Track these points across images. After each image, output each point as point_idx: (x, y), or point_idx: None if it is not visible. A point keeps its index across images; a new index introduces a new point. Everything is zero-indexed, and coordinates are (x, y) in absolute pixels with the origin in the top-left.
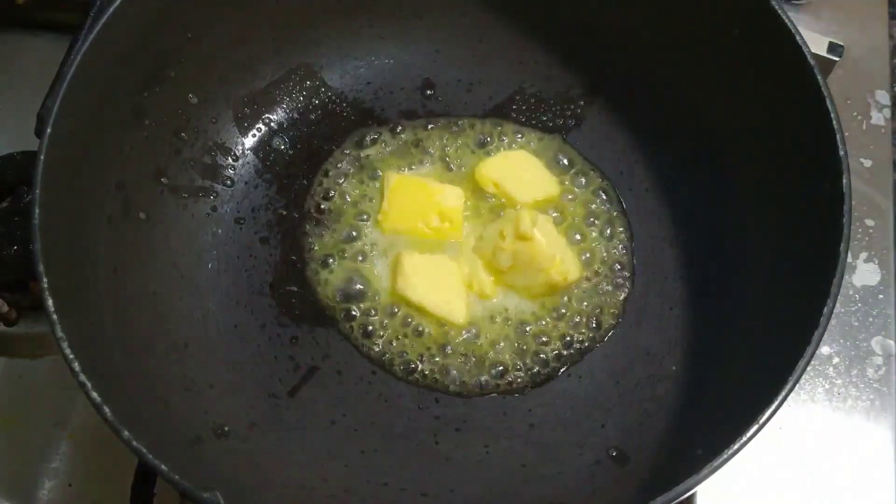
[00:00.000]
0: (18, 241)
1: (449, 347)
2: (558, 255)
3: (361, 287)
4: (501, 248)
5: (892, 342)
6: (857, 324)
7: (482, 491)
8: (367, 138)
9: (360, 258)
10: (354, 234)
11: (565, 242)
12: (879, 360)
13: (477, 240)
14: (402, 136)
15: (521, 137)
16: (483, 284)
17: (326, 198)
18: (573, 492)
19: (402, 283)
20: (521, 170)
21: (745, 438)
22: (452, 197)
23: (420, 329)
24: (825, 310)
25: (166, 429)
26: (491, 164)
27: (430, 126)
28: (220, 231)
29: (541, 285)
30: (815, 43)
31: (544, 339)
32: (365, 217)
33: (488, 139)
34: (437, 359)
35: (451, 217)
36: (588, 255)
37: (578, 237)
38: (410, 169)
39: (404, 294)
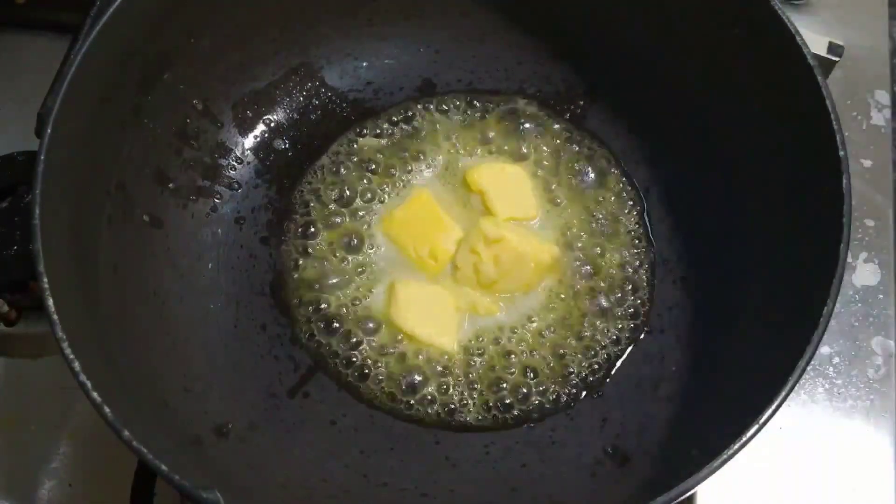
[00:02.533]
0: (18, 241)
1: (446, 378)
2: (531, 241)
3: (358, 307)
4: (482, 262)
5: (892, 342)
6: (857, 324)
7: (482, 491)
8: (367, 134)
9: (359, 269)
10: (354, 237)
11: (525, 230)
12: (879, 361)
13: (454, 271)
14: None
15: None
16: (486, 305)
17: (326, 198)
18: (573, 492)
19: (395, 311)
20: (508, 185)
21: (745, 438)
22: (450, 239)
23: (412, 356)
24: (825, 310)
25: (166, 429)
26: (483, 171)
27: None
28: (220, 231)
29: (535, 273)
30: (815, 43)
31: (549, 363)
32: (367, 218)
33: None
34: (430, 390)
35: (439, 257)
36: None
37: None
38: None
39: (396, 322)
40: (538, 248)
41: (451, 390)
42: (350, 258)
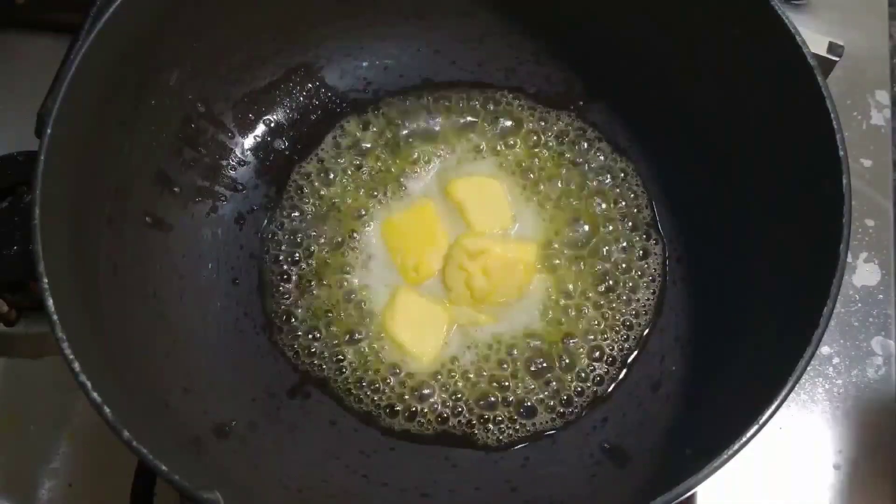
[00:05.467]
0: (18, 241)
1: (428, 389)
2: (511, 244)
3: (356, 311)
4: (472, 276)
5: (892, 342)
6: (857, 324)
7: (482, 491)
8: (366, 133)
9: (357, 273)
10: (350, 238)
11: (504, 236)
12: (879, 361)
13: (448, 293)
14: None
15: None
16: (486, 318)
17: (323, 198)
18: (573, 492)
19: (389, 316)
20: (484, 197)
21: (745, 439)
22: (439, 255)
23: (407, 371)
24: (825, 310)
25: (166, 429)
26: (460, 185)
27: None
28: (219, 231)
29: (526, 274)
30: (815, 43)
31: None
32: (364, 218)
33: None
34: (429, 404)
35: (420, 270)
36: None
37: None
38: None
39: (386, 325)
40: (521, 249)
41: (451, 404)
42: (346, 259)
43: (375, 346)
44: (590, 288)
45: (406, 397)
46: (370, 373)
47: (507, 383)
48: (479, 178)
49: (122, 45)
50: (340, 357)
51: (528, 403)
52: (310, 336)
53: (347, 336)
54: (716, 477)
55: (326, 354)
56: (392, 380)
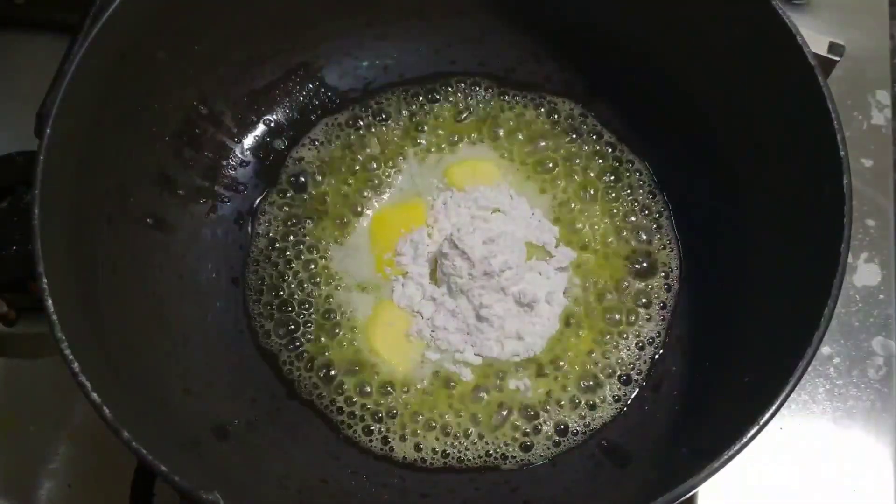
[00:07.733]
0: (18, 241)
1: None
2: None
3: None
4: None
5: (892, 342)
6: (857, 324)
7: (482, 491)
8: (365, 132)
9: (351, 272)
10: (352, 239)
11: None
12: (880, 361)
13: None
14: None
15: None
16: None
17: (324, 198)
18: (573, 492)
19: (371, 327)
20: (481, 179)
21: (745, 439)
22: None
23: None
24: (826, 310)
25: (166, 429)
26: (458, 168)
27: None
28: (219, 231)
29: None
30: (816, 43)
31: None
32: (363, 218)
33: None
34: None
35: (394, 267)
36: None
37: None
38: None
39: (368, 335)
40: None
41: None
42: (343, 258)
43: (363, 351)
44: (591, 290)
45: (391, 406)
46: (362, 383)
47: (507, 394)
48: (475, 162)
49: (122, 46)
50: (331, 361)
51: (527, 415)
52: (311, 342)
53: (338, 338)
54: (716, 477)
55: (320, 357)
56: (380, 392)
